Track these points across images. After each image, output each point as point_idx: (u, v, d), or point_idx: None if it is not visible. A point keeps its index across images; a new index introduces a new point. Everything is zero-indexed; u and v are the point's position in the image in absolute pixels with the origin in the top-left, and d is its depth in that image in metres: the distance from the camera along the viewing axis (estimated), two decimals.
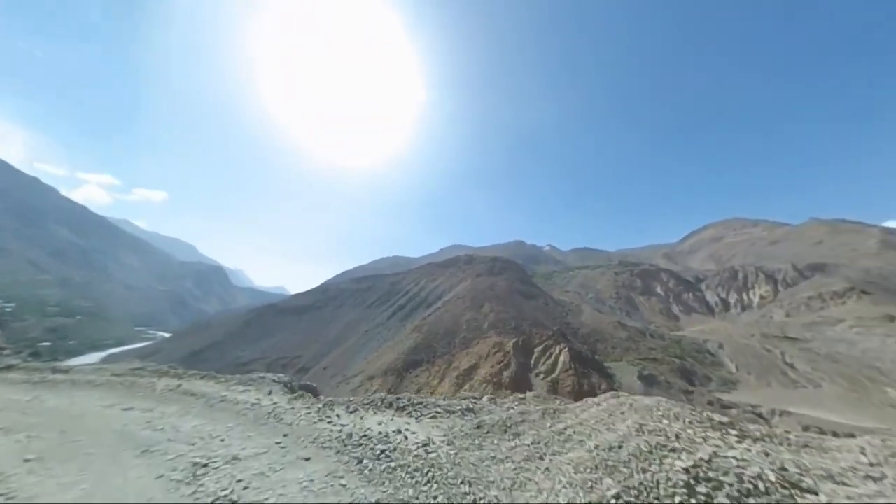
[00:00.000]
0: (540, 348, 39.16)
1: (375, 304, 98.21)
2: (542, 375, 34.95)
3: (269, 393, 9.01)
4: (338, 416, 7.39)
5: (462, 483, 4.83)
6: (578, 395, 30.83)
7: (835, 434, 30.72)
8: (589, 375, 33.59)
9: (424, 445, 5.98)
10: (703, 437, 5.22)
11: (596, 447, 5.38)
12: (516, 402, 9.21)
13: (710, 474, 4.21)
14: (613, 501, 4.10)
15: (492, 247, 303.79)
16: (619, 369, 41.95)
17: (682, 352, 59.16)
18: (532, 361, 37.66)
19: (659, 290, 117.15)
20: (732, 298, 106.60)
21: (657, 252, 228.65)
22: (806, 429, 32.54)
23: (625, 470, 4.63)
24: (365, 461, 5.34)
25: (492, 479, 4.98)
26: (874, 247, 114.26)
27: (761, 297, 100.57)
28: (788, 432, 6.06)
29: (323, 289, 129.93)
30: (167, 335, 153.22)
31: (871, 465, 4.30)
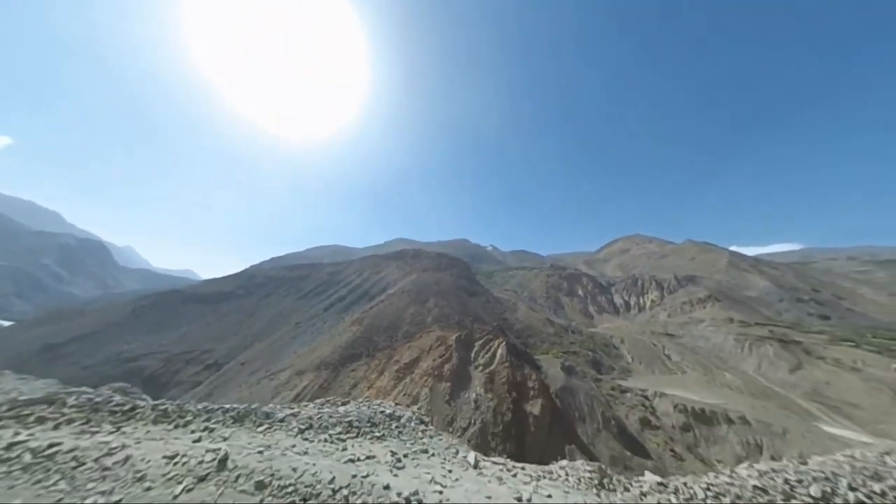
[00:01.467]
0: (480, 342, 41.03)
1: (311, 294, 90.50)
2: (480, 368, 36.68)
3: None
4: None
5: None
6: (512, 385, 33.27)
7: (696, 409, 38.83)
8: (522, 367, 36.51)
9: None
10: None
11: None
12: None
13: None
14: None
15: (437, 243, 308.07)
16: (546, 361, 46.62)
17: (595, 346, 68.86)
18: (472, 355, 39.23)
19: (580, 291, 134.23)
20: (633, 301, 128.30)
21: (579, 258, 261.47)
22: (675, 406, 41.07)
23: None
24: None
25: None
26: (724, 265, 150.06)
27: (652, 301, 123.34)
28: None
29: (248, 275, 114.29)
30: (6, 324, 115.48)
31: None
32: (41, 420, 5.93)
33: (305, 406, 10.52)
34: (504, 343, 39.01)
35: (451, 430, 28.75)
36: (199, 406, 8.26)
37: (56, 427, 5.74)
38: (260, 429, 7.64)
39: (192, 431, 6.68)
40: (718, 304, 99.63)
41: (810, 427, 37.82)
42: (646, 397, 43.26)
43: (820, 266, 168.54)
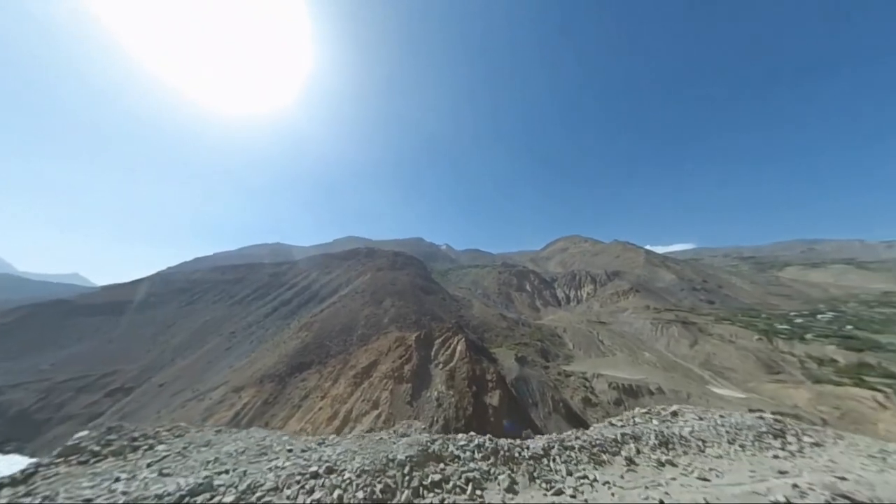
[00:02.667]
0: (440, 340, 41.34)
1: (249, 300, 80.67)
2: (441, 365, 37.00)
3: None
4: None
5: None
6: (472, 379, 34.28)
7: (625, 385, 44.64)
8: (481, 362, 37.89)
9: None
10: None
11: None
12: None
13: None
14: None
15: (391, 241, 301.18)
16: (501, 354, 49.14)
17: (542, 336, 74.82)
18: (432, 353, 39.35)
19: (528, 287, 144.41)
20: (572, 294, 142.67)
21: (527, 256, 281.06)
22: (609, 385, 46.93)
23: None
24: None
25: None
26: (642, 262, 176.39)
27: (587, 294, 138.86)
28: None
29: (164, 279, 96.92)
30: None
31: None
32: None
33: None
34: (463, 339, 39.94)
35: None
36: None
37: None
38: None
39: None
40: (638, 295, 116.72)
41: (704, 390, 46.77)
42: (586, 379, 48.57)
43: (706, 262, 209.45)
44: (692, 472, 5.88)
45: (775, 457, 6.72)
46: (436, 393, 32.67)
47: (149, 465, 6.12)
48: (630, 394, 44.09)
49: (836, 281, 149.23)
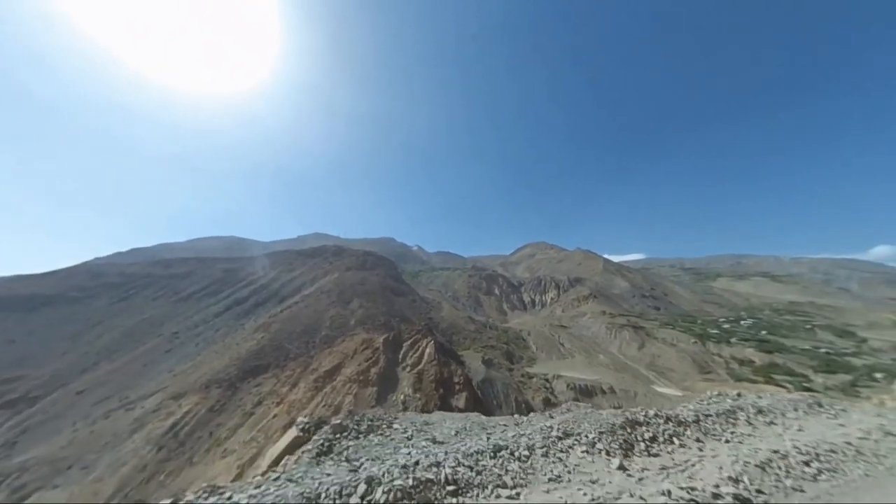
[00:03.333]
0: (409, 342, 40.76)
1: (198, 296, 73.24)
2: (408, 368, 36.43)
3: None
4: None
5: None
6: (440, 382, 34.21)
7: (581, 385, 47.44)
8: (449, 364, 37.96)
9: None
10: None
11: None
12: None
13: None
14: None
15: (361, 240, 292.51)
16: (468, 356, 49.71)
17: (508, 339, 77.11)
18: (400, 356, 38.62)
19: (497, 291, 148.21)
20: (537, 299, 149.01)
21: (496, 261, 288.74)
22: (568, 385, 49.55)
23: None
24: None
25: None
26: (600, 269, 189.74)
27: (551, 299, 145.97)
28: None
29: (90, 271, 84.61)
30: None
31: None
32: None
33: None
34: (432, 342, 39.79)
35: None
36: None
37: None
38: None
39: None
40: (596, 301, 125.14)
41: (649, 389, 51.26)
42: (547, 380, 50.82)
43: (655, 271, 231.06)
44: (791, 427, 7.44)
45: (827, 417, 8.73)
46: (402, 396, 32.08)
47: (410, 438, 7.32)
48: (585, 393, 46.93)
49: (755, 291, 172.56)
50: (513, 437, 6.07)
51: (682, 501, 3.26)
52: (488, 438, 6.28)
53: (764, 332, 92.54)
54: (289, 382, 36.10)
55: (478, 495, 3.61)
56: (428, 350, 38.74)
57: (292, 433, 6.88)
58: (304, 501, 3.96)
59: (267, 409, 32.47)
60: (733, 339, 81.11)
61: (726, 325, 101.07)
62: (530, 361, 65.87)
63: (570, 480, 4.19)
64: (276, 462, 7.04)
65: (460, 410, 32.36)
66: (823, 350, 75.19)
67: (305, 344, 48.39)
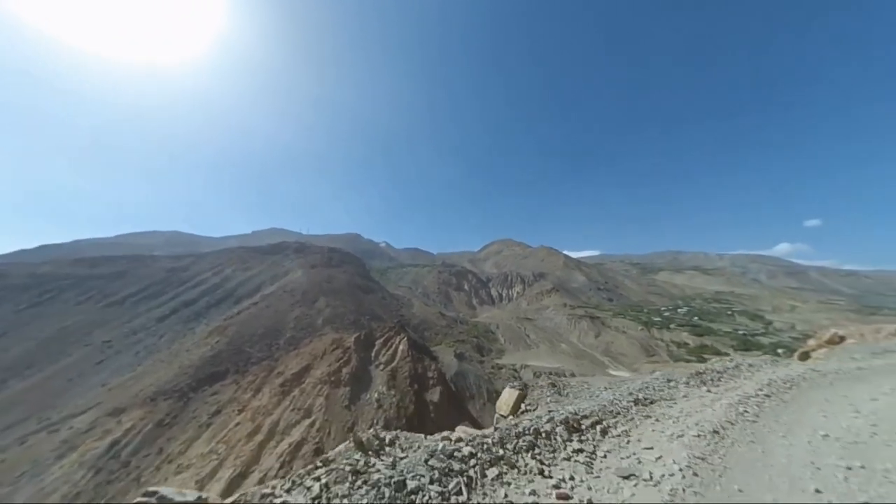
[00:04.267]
0: (381, 340, 40.31)
1: (133, 300, 64.86)
2: (382, 366, 36.11)
3: None
4: None
5: None
6: (414, 378, 34.50)
7: (545, 373, 50.65)
8: (423, 360, 38.35)
9: None
10: None
11: None
12: None
13: None
14: None
15: (325, 237, 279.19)
16: (441, 351, 50.53)
17: (478, 333, 79.50)
18: (373, 354, 38.10)
19: (466, 287, 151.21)
20: (504, 293, 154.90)
21: (465, 257, 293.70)
22: (534, 374, 52.65)
23: None
24: None
25: None
26: (561, 265, 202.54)
27: (517, 293, 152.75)
28: None
29: None
30: None
31: None
32: None
33: None
34: (406, 339, 39.83)
35: (351, 435, 27.24)
36: None
37: None
38: None
39: None
40: (557, 294, 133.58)
41: (605, 372, 56.43)
42: (515, 370, 53.54)
43: (608, 266, 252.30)
44: (765, 372, 9.15)
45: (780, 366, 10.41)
46: (376, 394, 31.84)
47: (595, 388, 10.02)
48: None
49: (689, 283, 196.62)
50: (643, 383, 8.68)
51: (747, 396, 6.07)
52: (630, 386, 8.70)
53: (696, 318, 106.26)
54: (252, 388, 33.86)
55: (660, 405, 6.34)
56: (401, 347, 38.73)
57: (513, 393, 9.00)
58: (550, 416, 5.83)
59: (227, 417, 30.23)
60: (672, 325, 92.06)
61: (666, 313, 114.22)
62: (499, 353, 68.71)
63: (688, 396, 6.93)
64: (514, 410, 9.09)
65: (434, 404, 33.08)
66: (741, 332, 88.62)
67: (268, 347, 45.56)
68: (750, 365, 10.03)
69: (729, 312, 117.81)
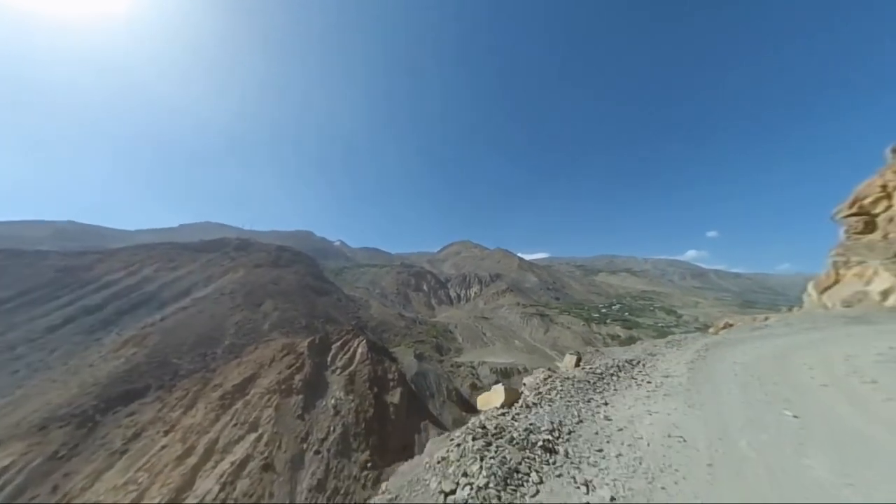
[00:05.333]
0: (338, 344, 38.34)
1: (8, 307, 51.87)
2: (339, 371, 34.38)
3: None
4: None
5: None
6: (374, 381, 33.63)
7: (501, 368, 53.61)
8: (382, 362, 37.47)
9: None
10: None
11: None
12: None
13: None
14: None
15: (271, 233, 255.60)
16: (400, 353, 49.92)
17: (437, 333, 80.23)
18: (329, 359, 36.07)
19: (425, 287, 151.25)
20: (462, 294, 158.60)
21: (424, 258, 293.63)
22: (491, 370, 55.06)
23: None
24: None
25: None
26: (515, 266, 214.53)
27: (475, 293, 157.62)
28: None
29: None
30: None
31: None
32: None
33: None
34: (364, 341, 38.56)
35: (305, 446, 25.56)
36: None
37: None
38: None
39: None
40: (512, 294, 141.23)
41: (553, 365, 61.47)
42: (473, 367, 55.36)
43: (556, 268, 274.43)
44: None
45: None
46: (333, 401, 30.30)
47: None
48: (505, 375, 53.14)
49: (621, 283, 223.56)
50: (643, 349, 10.12)
51: (697, 350, 8.53)
52: (637, 351, 10.25)
53: (626, 314, 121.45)
54: (182, 405, 29.64)
55: (659, 357, 8.32)
56: (360, 350, 37.42)
57: (572, 359, 9.07)
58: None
59: (150, 441, 26.04)
60: (608, 320, 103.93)
61: (603, 310, 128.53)
62: (458, 352, 70.27)
63: (671, 351, 9.08)
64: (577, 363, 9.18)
65: (395, 406, 32.66)
66: (660, 325, 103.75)
67: (202, 357, 40.28)
68: (694, 336, 12.74)
69: (651, 308, 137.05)
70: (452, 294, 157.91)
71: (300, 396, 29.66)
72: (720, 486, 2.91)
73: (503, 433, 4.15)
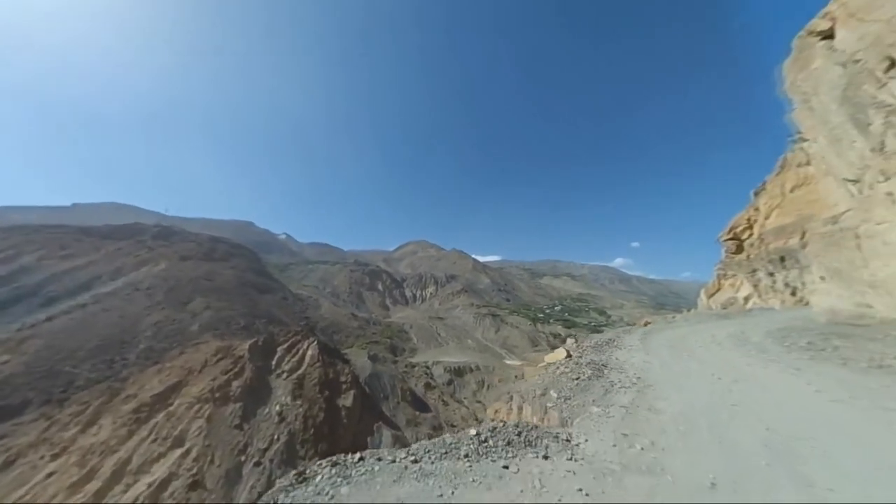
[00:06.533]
0: (285, 346, 35.54)
1: None
2: (285, 375, 31.92)
3: None
4: None
5: None
6: (325, 384, 32.12)
7: (454, 367, 55.30)
8: (335, 364, 35.85)
9: None
10: None
11: None
12: None
13: None
14: None
15: (202, 221, 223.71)
16: (353, 354, 48.26)
17: (392, 333, 79.10)
18: (274, 362, 33.26)
19: (380, 287, 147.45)
20: (418, 294, 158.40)
21: (379, 256, 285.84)
22: (445, 369, 56.33)
23: None
24: None
25: None
26: (470, 268, 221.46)
27: (430, 294, 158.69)
28: None
29: None
30: None
31: None
32: None
33: None
34: (315, 343, 36.51)
35: (243, 458, 23.40)
36: None
37: None
38: None
39: None
40: (466, 295, 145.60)
41: (502, 363, 65.25)
42: (427, 367, 56.01)
43: (507, 270, 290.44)
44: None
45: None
46: (278, 407, 28.18)
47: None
48: (458, 374, 54.91)
49: (563, 286, 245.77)
50: (614, 333, 13.26)
51: (642, 332, 12.70)
52: (610, 335, 12.99)
53: (566, 315, 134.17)
54: (79, 421, 24.75)
55: (625, 337, 11.71)
56: (310, 352, 35.35)
57: (562, 351, 10.28)
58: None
59: (31, 468, 21.28)
60: (551, 320, 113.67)
61: (547, 311, 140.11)
62: (412, 352, 70.25)
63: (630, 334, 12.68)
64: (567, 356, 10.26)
65: (348, 409, 31.65)
66: (594, 324, 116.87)
67: (108, 363, 33.97)
68: (633, 328, 15.78)
69: (586, 310, 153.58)
70: (408, 294, 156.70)
71: (238, 405, 27.00)
72: (664, 373, 6.89)
73: (581, 362, 8.32)
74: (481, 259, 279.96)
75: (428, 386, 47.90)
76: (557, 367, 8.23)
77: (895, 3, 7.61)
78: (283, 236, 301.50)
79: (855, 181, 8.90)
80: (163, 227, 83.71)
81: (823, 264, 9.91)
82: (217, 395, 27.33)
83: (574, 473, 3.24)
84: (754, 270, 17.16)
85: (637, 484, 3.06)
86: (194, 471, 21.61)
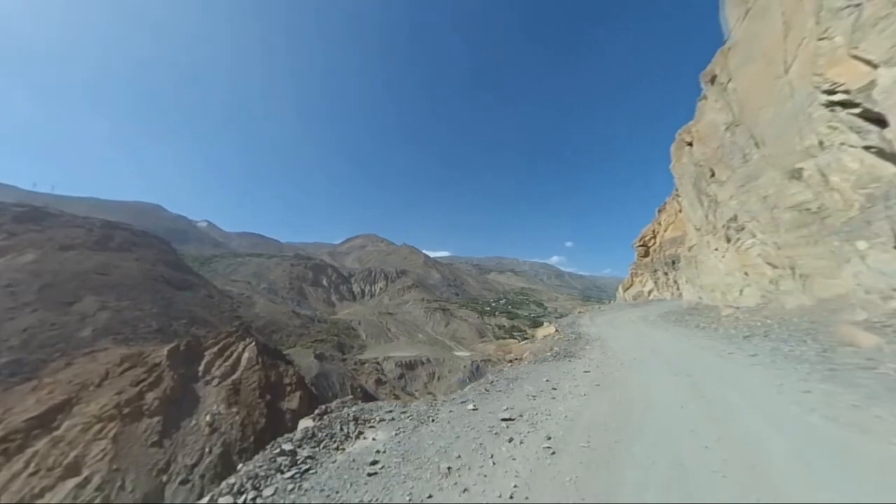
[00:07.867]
0: (215, 350, 31.35)
1: None
2: (216, 381, 28.29)
3: None
4: None
5: None
6: (266, 388, 29.61)
7: (405, 362, 55.76)
8: (277, 366, 33.04)
9: None
10: None
11: None
12: None
13: None
14: None
15: (90, 201, 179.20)
16: (297, 354, 45.01)
17: (338, 331, 75.55)
18: (201, 368, 29.17)
19: (324, 282, 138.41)
20: (367, 289, 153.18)
21: (323, 249, 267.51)
22: (396, 364, 56.33)
23: None
24: None
25: None
26: (421, 263, 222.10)
27: (380, 289, 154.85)
28: None
29: None
30: None
31: None
32: None
33: None
34: (253, 344, 33.18)
35: (165, 478, 20.47)
36: None
37: None
38: None
39: None
40: (417, 290, 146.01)
41: (452, 355, 67.83)
42: (377, 363, 55.32)
43: (456, 266, 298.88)
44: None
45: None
46: (207, 417, 25.09)
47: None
48: (409, 368, 55.50)
49: (507, 281, 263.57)
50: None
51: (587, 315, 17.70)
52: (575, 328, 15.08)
53: (510, 307, 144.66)
54: None
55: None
56: (247, 354, 32.03)
57: (551, 327, 13.25)
58: None
59: None
60: (496, 313, 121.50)
61: (493, 304, 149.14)
62: (361, 349, 68.33)
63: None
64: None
65: (293, 412, 29.76)
66: (533, 315, 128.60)
67: None
68: (579, 314, 19.13)
69: (527, 302, 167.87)
70: (356, 289, 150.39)
71: (156, 419, 23.31)
72: (610, 335, 11.52)
73: (564, 333, 12.38)
74: (432, 254, 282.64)
75: (379, 381, 47.51)
76: (553, 336, 13.14)
77: (717, 138, 11.86)
78: (204, 224, 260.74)
79: (698, 229, 14.60)
80: (31, 208, 64.96)
81: (684, 274, 15.85)
82: (126, 410, 23.12)
83: (588, 364, 7.63)
84: (655, 270, 21.86)
85: (610, 363, 7.51)
86: (97, 500, 18.19)
